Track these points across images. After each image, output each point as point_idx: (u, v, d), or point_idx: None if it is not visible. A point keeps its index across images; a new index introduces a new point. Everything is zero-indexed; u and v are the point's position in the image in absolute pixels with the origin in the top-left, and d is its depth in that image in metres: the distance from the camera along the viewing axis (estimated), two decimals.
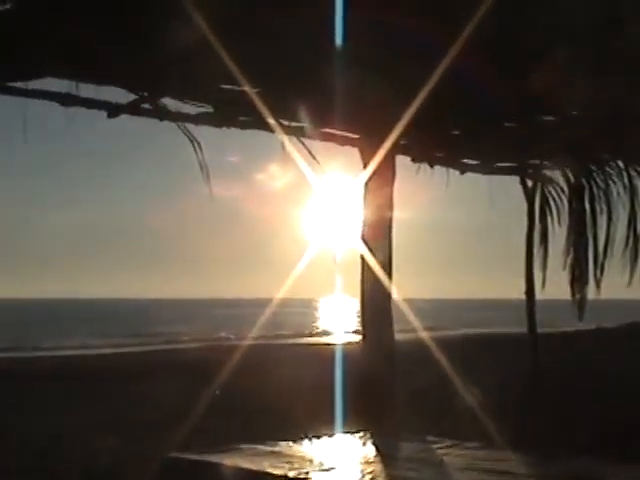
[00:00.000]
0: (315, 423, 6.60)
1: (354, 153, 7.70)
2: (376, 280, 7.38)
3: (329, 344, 30.22)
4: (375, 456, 5.11)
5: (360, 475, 4.59)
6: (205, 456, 4.99)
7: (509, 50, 6.22)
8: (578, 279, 9.45)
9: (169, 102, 6.78)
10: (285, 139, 7.26)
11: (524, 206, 9.60)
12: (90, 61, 5.88)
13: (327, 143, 7.72)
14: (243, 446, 5.28)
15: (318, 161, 7.48)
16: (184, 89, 6.69)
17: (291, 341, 37.90)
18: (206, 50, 5.39)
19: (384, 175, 7.46)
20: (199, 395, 8.35)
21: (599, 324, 28.82)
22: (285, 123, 7.22)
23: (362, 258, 7.48)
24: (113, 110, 6.62)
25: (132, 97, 6.61)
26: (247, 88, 6.50)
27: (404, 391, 7.79)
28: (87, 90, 6.28)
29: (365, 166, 7.44)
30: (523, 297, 9.73)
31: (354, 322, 37.85)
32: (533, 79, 6.33)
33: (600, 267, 9.31)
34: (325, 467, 4.73)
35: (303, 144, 7.39)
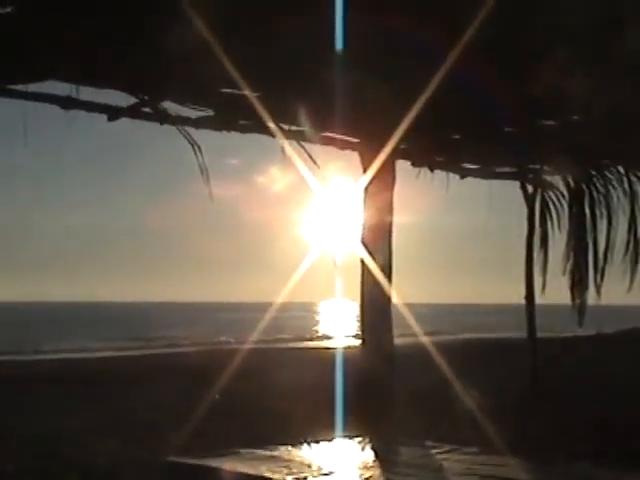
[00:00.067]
0: (315, 427, 6.58)
1: (354, 157, 7.71)
2: (376, 284, 7.39)
3: (329, 348, 30.22)
4: (374, 461, 5.10)
5: None
6: (204, 460, 4.99)
7: (509, 54, 6.22)
8: (578, 284, 9.46)
9: (169, 106, 6.79)
10: (285, 143, 7.27)
11: (524, 211, 9.61)
12: (91, 64, 5.89)
13: (327, 147, 7.72)
14: (242, 450, 5.28)
15: (318, 165, 7.49)
16: (184, 93, 6.69)
17: (291, 345, 37.87)
18: (206, 54, 5.39)
19: (384, 179, 7.46)
20: (199, 399, 8.34)
21: (599, 330, 28.77)
22: (285, 127, 7.22)
23: (362, 262, 7.48)
24: (113, 113, 6.63)
25: (132, 100, 6.62)
26: (247, 92, 6.51)
27: (403, 395, 7.79)
28: (87, 93, 6.30)
29: (365, 170, 7.45)
30: (523, 302, 9.73)
31: (354, 326, 37.83)
32: (533, 83, 6.34)
33: (600, 272, 9.32)
34: (323, 472, 4.72)
35: (303, 148, 7.40)
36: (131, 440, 7.75)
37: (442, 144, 8.37)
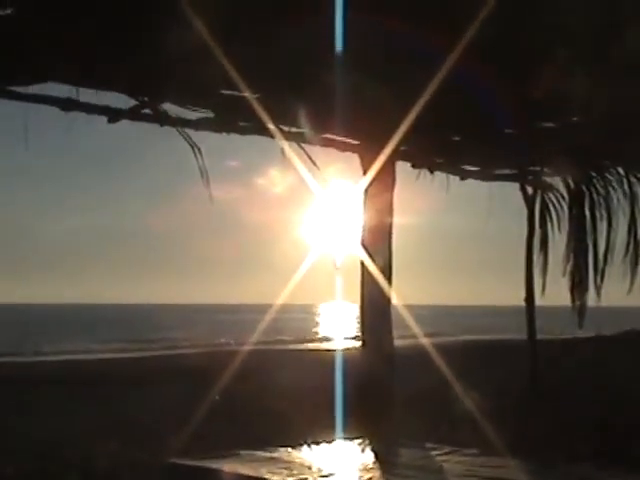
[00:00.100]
0: (315, 429, 6.58)
1: (354, 159, 7.71)
2: (376, 285, 7.38)
3: (329, 350, 30.20)
4: (374, 462, 5.10)
5: None
6: (204, 462, 4.99)
7: (509, 55, 6.22)
8: (578, 286, 9.45)
9: (169, 107, 6.79)
10: (285, 144, 7.26)
11: (524, 212, 9.61)
12: (90, 66, 5.89)
13: (327, 149, 7.72)
14: (242, 452, 5.28)
15: (318, 167, 7.49)
16: (184, 94, 6.69)
17: (291, 347, 37.86)
18: (206, 55, 5.40)
19: (384, 181, 7.46)
20: (199, 400, 8.33)
21: (598, 331, 28.73)
22: (285, 129, 7.22)
23: (362, 263, 7.48)
24: (113, 115, 6.62)
25: (132, 102, 6.62)
26: (247, 94, 6.51)
27: (403, 397, 7.78)
28: (87, 95, 6.29)
29: (365, 172, 7.45)
30: (523, 304, 9.73)
31: (354, 328, 37.81)
32: (533, 84, 6.34)
33: (600, 274, 9.31)
34: (324, 473, 4.72)
35: (303, 150, 7.40)
36: (131, 441, 7.74)
37: (442, 146, 8.37)
